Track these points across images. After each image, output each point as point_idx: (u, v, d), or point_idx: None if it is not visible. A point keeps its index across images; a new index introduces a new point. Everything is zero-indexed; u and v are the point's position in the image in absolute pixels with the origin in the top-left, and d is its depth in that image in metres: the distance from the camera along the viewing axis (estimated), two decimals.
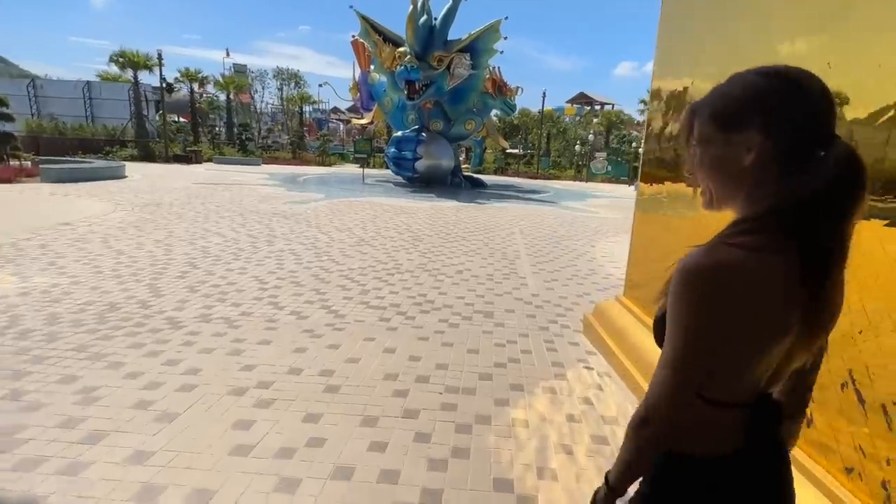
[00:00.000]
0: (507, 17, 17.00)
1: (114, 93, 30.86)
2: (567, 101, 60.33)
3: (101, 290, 4.50)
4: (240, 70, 56.44)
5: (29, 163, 17.51)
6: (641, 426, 0.74)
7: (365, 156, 20.83)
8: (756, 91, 0.72)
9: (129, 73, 28.40)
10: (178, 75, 36.02)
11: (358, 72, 21.72)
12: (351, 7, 17.35)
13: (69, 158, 18.20)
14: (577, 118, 46.11)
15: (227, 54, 65.07)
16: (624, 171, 32.52)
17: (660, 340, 0.76)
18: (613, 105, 57.39)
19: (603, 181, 32.09)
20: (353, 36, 18.50)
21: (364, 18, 17.31)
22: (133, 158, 25.97)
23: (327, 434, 2.41)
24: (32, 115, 30.41)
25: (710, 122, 0.75)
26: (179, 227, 7.81)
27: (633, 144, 33.60)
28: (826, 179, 0.66)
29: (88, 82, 31.52)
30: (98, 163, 16.88)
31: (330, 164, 32.12)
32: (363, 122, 24.22)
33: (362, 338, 3.70)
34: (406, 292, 4.95)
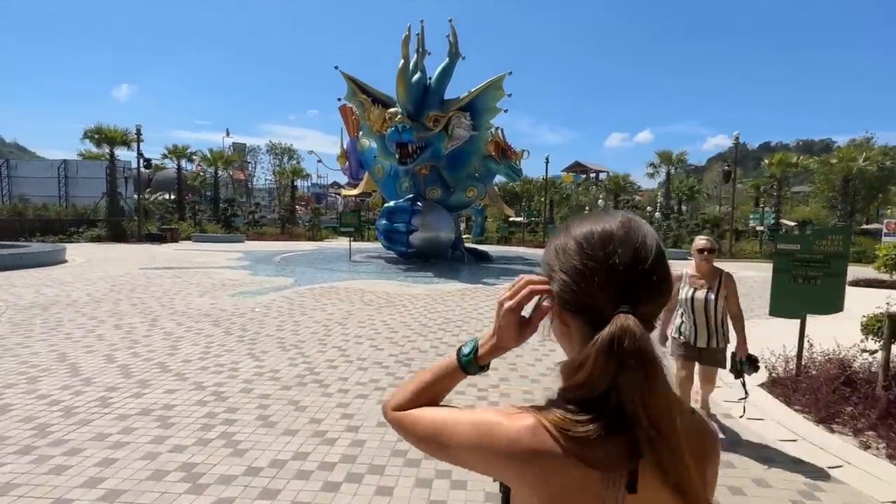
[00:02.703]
0: (510, 73, 15.20)
1: (91, 171, 29.16)
2: (562, 170, 60.58)
3: None
4: (239, 149, 56.48)
5: None
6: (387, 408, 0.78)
7: (352, 229, 18.35)
8: (550, 245, 0.70)
9: (107, 151, 26.82)
10: (165, 152, 34.92)
11: (346, 139, 19.89)
12: (336, 68, 15.64)
13: (4, 243, 15.64)
14: (575, 185, 44.90)
15: (227, 134, 65.80)
16: None
17: None
18: (608, 172, 57.33)
19: None
20: (339, 99, 16.69)
21: (350, 79, 15.51)
22: (100, 239, 23.61)
23: None
24: (3, 196, 28.55)
25: None
26: (24, 352, 4.89)
27: (648, 209, 31.49)
28: (583, 363, 0.59)
29: (65, 161, 29.93)
30: (34, 246, 14.32)
31: (320, 239, 29.82)
32: (353, 193, 22.07)
33: None
34: None
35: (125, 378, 4.15)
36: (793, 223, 37.36)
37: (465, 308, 8.17)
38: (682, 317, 3.42)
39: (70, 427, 3.19)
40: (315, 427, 3.31)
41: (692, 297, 3.32)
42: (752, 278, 14.15)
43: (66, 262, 13.80)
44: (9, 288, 9.01)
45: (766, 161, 32.74)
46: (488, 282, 11.82)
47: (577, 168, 64.69)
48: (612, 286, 0.61)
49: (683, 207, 39.89)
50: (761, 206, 34.64)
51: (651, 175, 40.45)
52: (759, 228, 28.86)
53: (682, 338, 3.40)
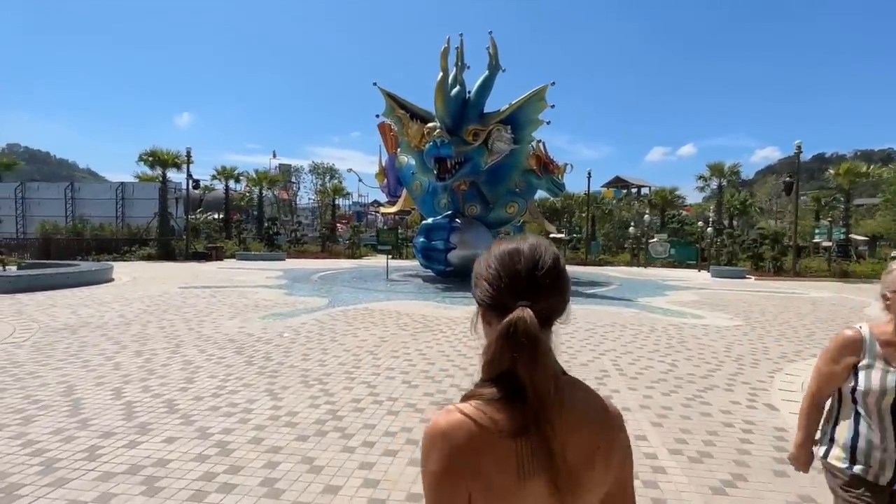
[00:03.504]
0: (553, 83, 14.52)
1: (145, 192, 30.47)
2: (602, 186, 58.86)
3: None
4: (284, 170, 58.11)
5: (14, 267, 15.59)
6: None
7: (389, 247, 17.97)
8: (477, 261, 0.85)
9: (160, 172, 27.95)
10: (214, 173, 36.23)
11: (385, 156, 19.68)
12: (374, 84, 15.48)
13: (58, 262, 16.21)
14: (615, 201, 43.13)
15: (274, 155, 68.17)
16: (691, 253, 28.27)
17: None
18: (650, 187, 55.07)
19: (664, 266, 27.95)
20: (378, 116, 16.49)
21: (388, 94, 15.30)
22: (151, 257, 24.40)
23: None
24: (67, 217, 30.20)
25: None
26: (32, 383, 4.56)
27: (699, 223, 29.63)
28: (490, 345, 0.76)
29: (122, 183, 31.47)
30: (84, 265, 14.67)
31: (359, 257, 29.77)
32: (391, 211, 21.79)
33: None
34: None
35: (126, 420, 3.66)
36: (862, 238, 34.23)
37: None
38: (854, 425, 1.68)
39: (42, 490, 2.68)
40: (330, 499, 2.66)
41: None
42: (829, 300, 12.62)
43: (112, 280, 14.05)
44: (49, 308, 9.02)
45: (832, 171, 30.24)
46: None
47: (617, 183, 62.80)
48: (515, 287, 0.77)
49: (735, 222, 37.56)
50: (828, 219, 31.96)
51: (701, 189, 38.40)
52: (826, 244, 26.46)
53: (856, 467, 1.65)
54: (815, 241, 30.37)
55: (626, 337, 7.45)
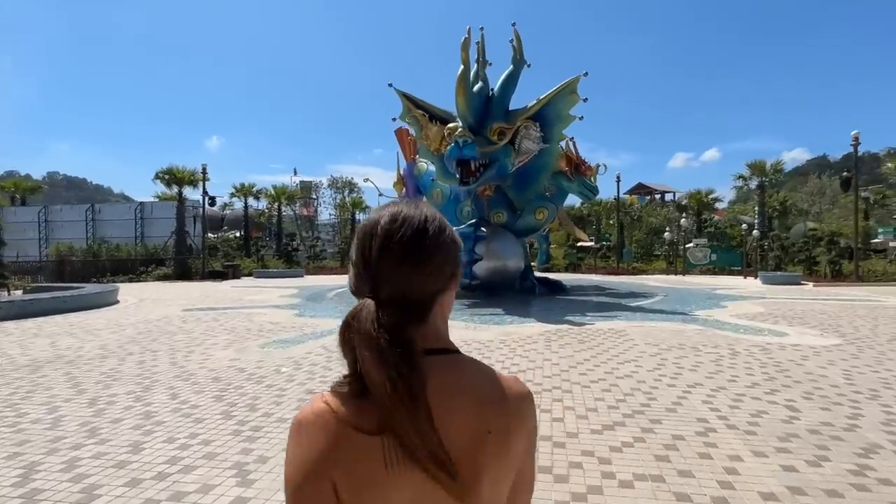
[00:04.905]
0: (586, 74, 13.15)
1: (164, 212, 30.10)
2: (625, 192, 57.01)
3: None
4: (305, 186, 57.96)
5: (20, 291, 14.93)
6: None
7: None
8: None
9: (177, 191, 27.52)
10: (233, 190, 35.86)
11: (403, 164, 18.54)
12: (390, 85, 14.38)
13: (63, 286, 15.48)
14: (639, 206, 41.09)
15: (295, 172, 68.31)
16: (734, 259, 26.18)
17: None
18: (675, 193, 52.85)
19: (703, 273, 25.98)
20: (394, 119, 15.36)
21: (404, 95, 14.17)
22: (167, 277, 23.78)
23: None
24: (88, 239, 30.08)
25: None
26: None
27: (744, 227, 27.52)
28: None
29: (142, 203, 31.27)
30: (88, 288, 13.85)
31: None
32: None
33: None
34: None
35: None
36: None
37: (558, 364, 5.96)
38: None
39: None
40: None
41: None
42: None
43: (117, 302, 13.17)
44: (30, 338, 8.00)
45: (891, 165, 27.77)
46: (574, 320, 9.49)
47: (640, 190, 61.22)
48: (367, 272, 0.68)
49: (773, 224, 35.27)
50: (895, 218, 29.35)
51: (740, 188, 36.16)
52: (894, 244, 24.02)
53: None
54: (874, 241, 27.83)
55: (706, 365, 5.91)
